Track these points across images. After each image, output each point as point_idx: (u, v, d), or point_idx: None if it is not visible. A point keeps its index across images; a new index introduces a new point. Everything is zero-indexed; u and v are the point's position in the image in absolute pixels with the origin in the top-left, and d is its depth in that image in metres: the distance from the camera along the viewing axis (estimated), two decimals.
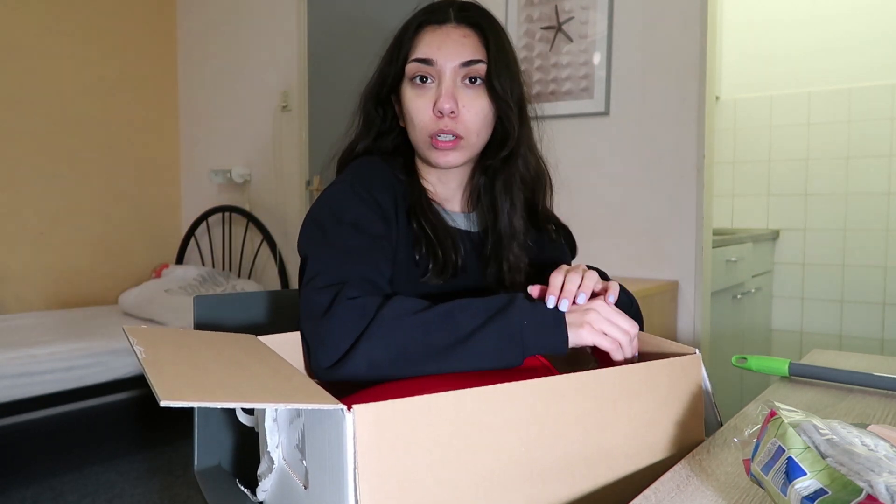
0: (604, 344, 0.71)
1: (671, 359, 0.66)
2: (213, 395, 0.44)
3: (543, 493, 0.57)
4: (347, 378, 0.71)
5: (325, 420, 0.49)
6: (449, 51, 0.88)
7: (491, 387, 0.53)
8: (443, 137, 0.87)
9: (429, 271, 0.87)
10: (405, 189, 0.92)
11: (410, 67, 0.89)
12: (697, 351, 0.69)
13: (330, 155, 1.01)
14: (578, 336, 0.71)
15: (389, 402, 0.48)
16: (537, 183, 0.99)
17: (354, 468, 0.47)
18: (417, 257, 0.88)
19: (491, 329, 0.70)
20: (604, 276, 0.88)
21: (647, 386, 0.64)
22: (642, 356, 0.75)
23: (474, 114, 0.88)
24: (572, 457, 0.58)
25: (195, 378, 0.48)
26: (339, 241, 0.81)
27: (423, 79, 0.89)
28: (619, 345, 0.71)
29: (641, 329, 0.85)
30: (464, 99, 0.88)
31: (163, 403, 0.40)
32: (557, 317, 0.72)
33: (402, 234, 0.89)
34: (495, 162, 0.93)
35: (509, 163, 0.93)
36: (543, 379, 0.56)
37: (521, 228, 0.95)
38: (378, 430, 0.48)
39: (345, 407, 0.46)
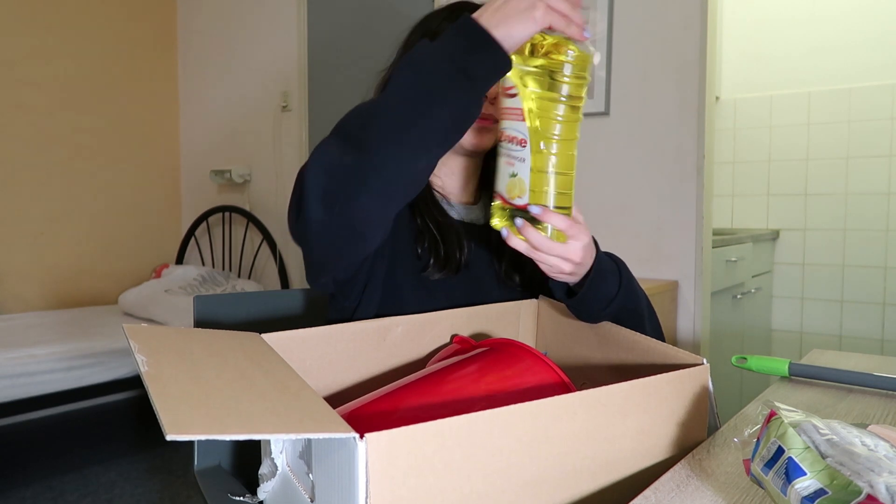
0: (559, 24, 0.62)
1: (680, 371, 0.65)
2: (221, 426, 0.43)
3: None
4: (316, 222, 0.68)
5: (336, 444, 0.49)
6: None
7: (502, 409, 0.53)
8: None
9: (430, 266, 0.88)
10: None
11: None
12: (705, 360, 0.69)
13: None
14: (527, 23, 0.61)
15: (402, 429, 0.48)
16: None
17: (367, 496, 0.47)
18: (419, 251, 0.88)
19: (407, 73, 0.63)
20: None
21: (655, 398, 0.63)
22: (650, 367, 0.74)
23: None
24: (580, 470, 0.58)
25: (200, 399, 0.47)
26: None
27: None
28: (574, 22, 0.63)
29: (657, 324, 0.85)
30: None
31: (169, 437, 0.39)
32: (468, 21, 0.63)
33: (405, 226, 0.89)
34: None
35: None
36: (553, 398, 0.56)
37: None
38: (390, 458, 0.47)
39: (357, 435, 0.46)
